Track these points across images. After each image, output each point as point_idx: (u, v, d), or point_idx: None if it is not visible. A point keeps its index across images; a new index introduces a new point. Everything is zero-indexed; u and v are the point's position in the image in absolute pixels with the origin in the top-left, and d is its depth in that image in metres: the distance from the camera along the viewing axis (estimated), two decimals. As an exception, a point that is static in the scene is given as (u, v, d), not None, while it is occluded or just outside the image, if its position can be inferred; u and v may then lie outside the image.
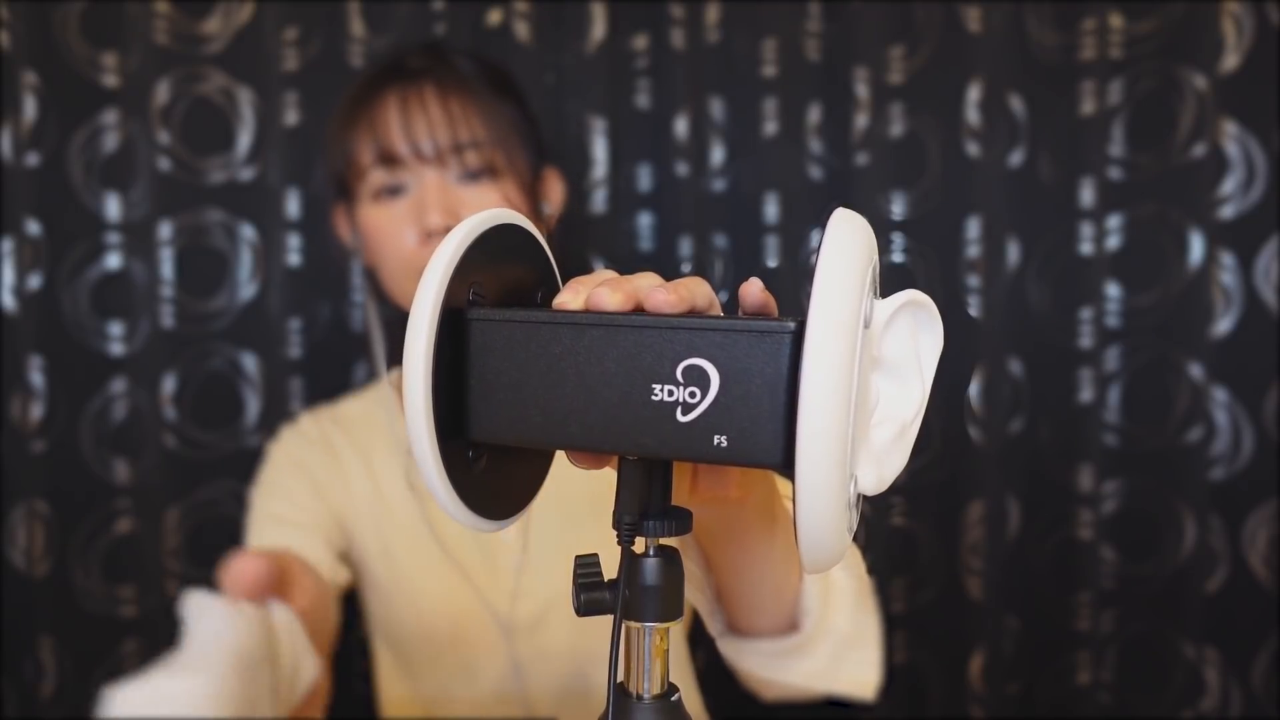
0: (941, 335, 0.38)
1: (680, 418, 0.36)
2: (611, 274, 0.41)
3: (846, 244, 0.35)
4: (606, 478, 0.43)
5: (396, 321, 0.96)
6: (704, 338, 0.36)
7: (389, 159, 0.84)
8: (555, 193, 0.94)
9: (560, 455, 0.43)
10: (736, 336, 0.36)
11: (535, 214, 0.89)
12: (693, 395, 0.36)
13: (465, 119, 0.84)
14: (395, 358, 1.10)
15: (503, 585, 0.84)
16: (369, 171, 0.85)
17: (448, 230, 0.84)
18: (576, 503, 0.79)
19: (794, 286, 1.16)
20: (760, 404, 0.35)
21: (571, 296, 0.40)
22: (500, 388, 0.39)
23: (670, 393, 0.36)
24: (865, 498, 0.39)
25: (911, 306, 0.38)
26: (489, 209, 0.85)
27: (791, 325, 0.35)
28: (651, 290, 0.38)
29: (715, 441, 0.36)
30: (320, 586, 0.61)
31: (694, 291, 0.39)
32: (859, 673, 0.66)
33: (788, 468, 0.34)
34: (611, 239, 1.19)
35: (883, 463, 0.38)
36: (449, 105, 0.84)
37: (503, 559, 0.85)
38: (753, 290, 0.41)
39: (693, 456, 0.37)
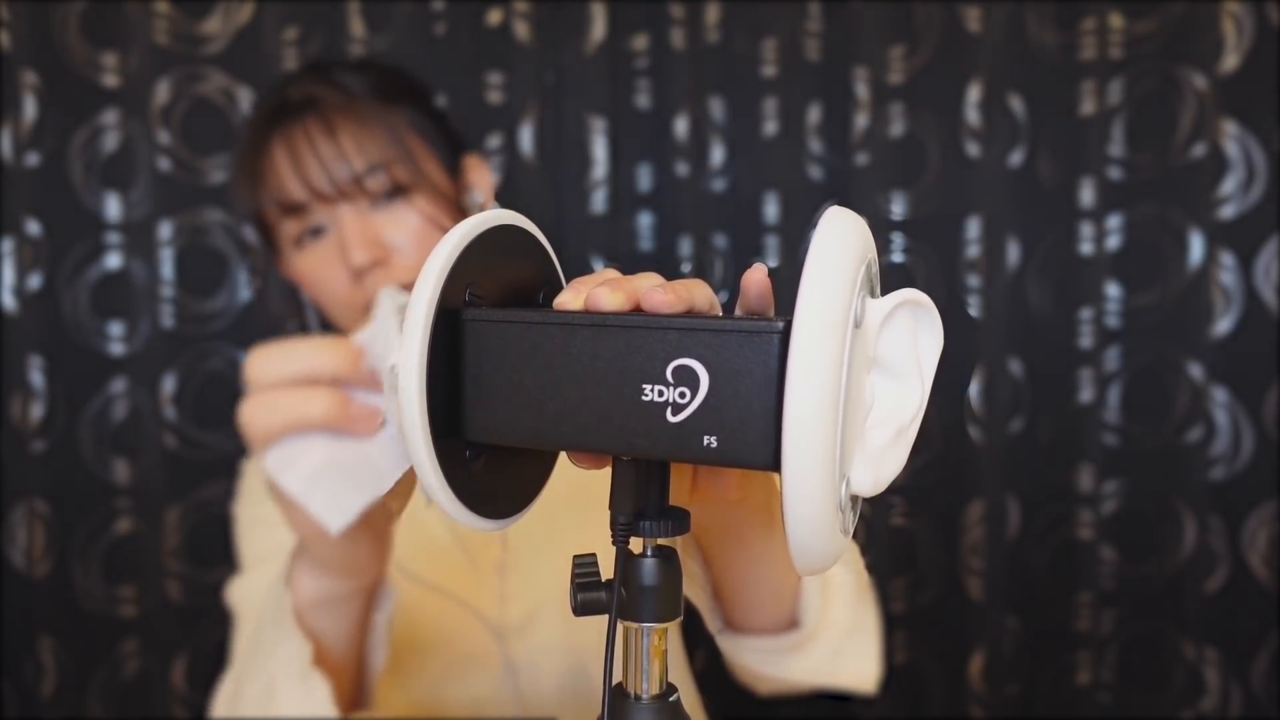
0: (941, 335, 0.38)
1: (670, 418, 0.36)
2: (613, 274, 0.41)
3: (835, 242, 0.35)
4: (590, 473, 0.43)
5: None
6: (693, 338, 0.36)
7: (291, 208, 0.81)
8: (482, 179, 0.91)
9: (562, 454, 0.43)
10: (725, 337, 0.35)
11: (460, 213, 0.85)
12: (683, 395, 0.36)
13: (357, 145, 0.80)
14: None
15: (488, 589, 0.83)
16: (279, 224, 0.82)
17: (375, 264, 0.82)
18: (557, 499, 0.79)
19: (793, 287, 1.15)
20: (749, 404, 0.35)
21: (572, 296, 0.39)
22: (494, 388, 0.39)
23: (660, 393, 0.36)
24: (864, 498, 0.39)
25: (909, 306, 0.37)
26: (411, 229, 0.84)
27: (779, 325, 0.35)
28: (650, 290, 0.38)
29: (705, 442, 0.36)
30: None
31: (693, 292, 0.39)
32: (859, 666, 0.66)
33: (777, 469, 0.34)
34: (611, 239, 1.19)
35: (879, 464, 0.37)
36: (336, 136, 0.79)
37: (485, 562, 0.85)
38: (756, 278, 0.41)
39: (683, 457, 0.36)
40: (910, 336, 0.38)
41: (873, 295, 0.38)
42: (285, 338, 0.48)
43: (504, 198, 0.93)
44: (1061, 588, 1.22)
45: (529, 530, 0.83)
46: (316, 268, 0.83)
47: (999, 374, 1.19)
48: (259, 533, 0.85)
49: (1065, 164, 1.18)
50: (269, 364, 0.47)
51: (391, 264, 0.80)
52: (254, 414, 0.46)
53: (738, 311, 0.42)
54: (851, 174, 1.18)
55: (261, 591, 0.80)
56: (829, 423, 0.33)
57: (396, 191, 0.81)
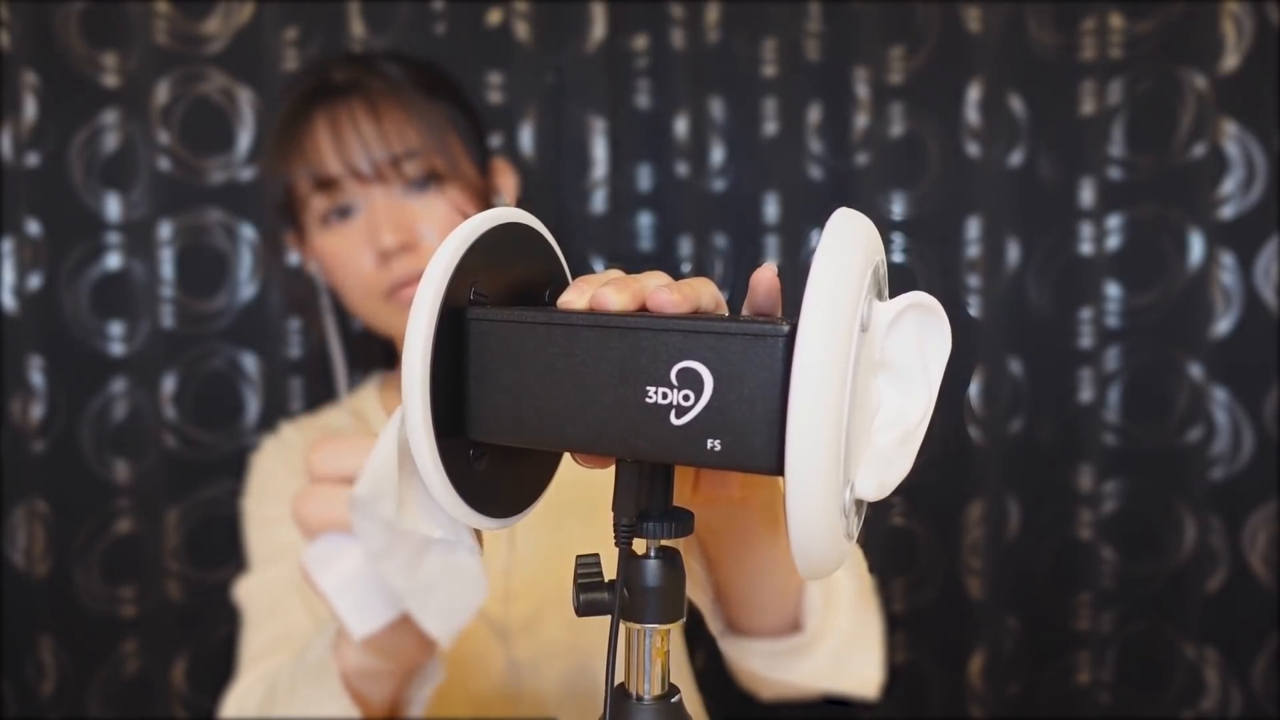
0: (949, 339, 0.38)
1: (674, 421, 0.36)
2: (618, 273, 0.41)
3: (842, 245, 0.35)
4: (596, 474, 0.43)
5: (360, 338, 0.95)
6: (697, 340, 0.35)
7: (326, 183, 0.81)
8: (508, 183, 0.92)
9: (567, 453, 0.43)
10: (730, 340, 0.35)
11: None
12: (686, 398, 0.36)
13: (398, 130, 0.81)
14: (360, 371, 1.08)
15: (493, 591, 0.83)
16: (310, 199, 0.83)
17: (402, 248, 0.83)
18: (563, 499, 0.79)
19: (795, 287, 1.15)
20: (754, 408, 0.35)
21: (576, 296, 0.39)
22: (498, 388, 0.39)
23: (664, 395, 0.36)
24: (869, 502, 0.38)
25: (917, 309, 0.37)
26: (440, 218, 0.84)
27: (785, 328, 0.34)
28: (656, 290, 0.38)
29: (709, 445, 0.35)
30: None
31: (699, 292, 0.39)
32: (862, 671, 0.66)
33: (780, 473, 0.34)
34: (611, 239, 1.19)
35: (884, 469, 0.37)
36: (380, 118, 0.81)
37: (489, 562, 0.84)
38: (765, 277, 0.40)
39: (686, 460, 0.36)
40: (918, 340, 0.37)
41: (880, 298, 0.38)
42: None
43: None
44: (1061, 588, 1.22)
45: (535, 531, 0.83)
46: (342, 248, 0.83)
47: (999, 374, 1.19)
48: (268, 531, 0.85)
49: (1065, 164, 1.18)
50: (324, 458, 0.47)
51: (418, 250, 0.81)
52: (304, 506, 0.47)
53: (745, 311, 0.42)
54: (851, 174, 1.18)
55: (271, 590, 0.80)
56: (833, 428, 0.32)
57: (431, 180, 0.82)
